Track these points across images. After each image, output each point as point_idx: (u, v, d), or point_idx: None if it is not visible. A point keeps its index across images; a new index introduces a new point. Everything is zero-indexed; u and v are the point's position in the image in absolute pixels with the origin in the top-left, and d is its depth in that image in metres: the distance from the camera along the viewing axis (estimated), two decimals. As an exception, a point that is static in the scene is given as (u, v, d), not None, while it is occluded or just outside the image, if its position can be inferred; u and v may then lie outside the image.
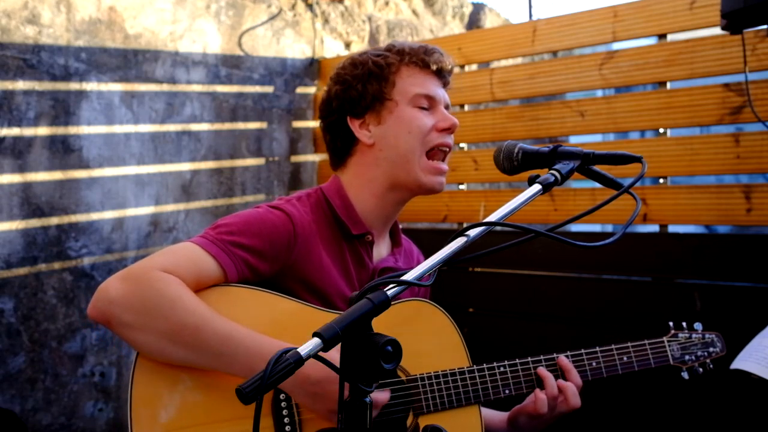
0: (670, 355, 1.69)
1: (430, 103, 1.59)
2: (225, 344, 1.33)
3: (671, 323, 1.74)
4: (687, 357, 1.70)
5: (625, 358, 1.64)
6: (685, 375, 1.69)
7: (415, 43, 1.64)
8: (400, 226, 1.77)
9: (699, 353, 1.71)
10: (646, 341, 1.68)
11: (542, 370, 1.56)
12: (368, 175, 1.60)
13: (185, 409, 1.36)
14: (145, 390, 1.35)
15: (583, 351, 1.63)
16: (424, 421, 1.47)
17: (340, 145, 1.65)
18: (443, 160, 1.61)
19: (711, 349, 1.73)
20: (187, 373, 1.37)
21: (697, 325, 1.75)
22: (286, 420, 1.39)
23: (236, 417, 1.36)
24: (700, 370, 1.70)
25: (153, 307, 1.32)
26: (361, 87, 1.59)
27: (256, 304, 1.43)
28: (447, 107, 1.63)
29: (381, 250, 1.68)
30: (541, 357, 1.59)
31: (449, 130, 1.59)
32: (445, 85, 1.65)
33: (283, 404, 1.39)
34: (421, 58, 1.59)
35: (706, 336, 1.74)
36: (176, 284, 1.34)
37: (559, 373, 1.59)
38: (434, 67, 1.60)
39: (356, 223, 1.59)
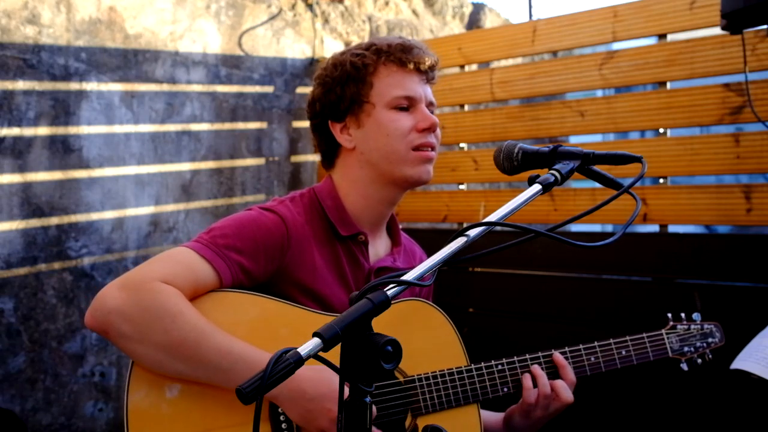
0: (669, 347, 1.69)
1: (409, 103, 1.55)
2: (224, 359, 1.32)
3: (669, 315, 1.74)
4: (686, 348, 1.70)
5: (623, 352, 1.64)
6: (684, 366, 1.69)
7: (395, 39, 1.59)
8: (400, 227, 1.77)
9: (698, 344, 1.71)
10: (644, 334, 1.67)
11: (535, 369, 1.56)
12: (353, 176, 1.59)
13: (182, 416, 1.35)
14: (141, 398, 1.34)
15: (581, 346, 1.62)
16: (422, 422, 1.46)
17: (326, 147, 1.64)
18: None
19: (710, 340, 1.72)
20: (183, 380, 1.36)
21: (696, 316, 1.74)
22: (284, 426, 1.38)
23: (234, 424, 1.36)
24: (699, 361, 1.70)
25: (153, 319, 1.31)
26: (339, 90, 1.57)
27: (252, 309, 1.43)
28: (431, 105, 1.60)
29: (378, 249, 1.66)
30: (539, 354, 1.59)
31: (429, 129, 1.55)
32: (428, 80, 1.61)
33: (280, 410, 1.38)
34: (398, 56, 1.55)
35: (705, 326, 1.73)
36: (176, 297, 1.33)
37: (555, 369, 1.59)
38: (411, 66, 1.56)
39: (347, 224, 1.58)
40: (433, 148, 1.57)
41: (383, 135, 1.54)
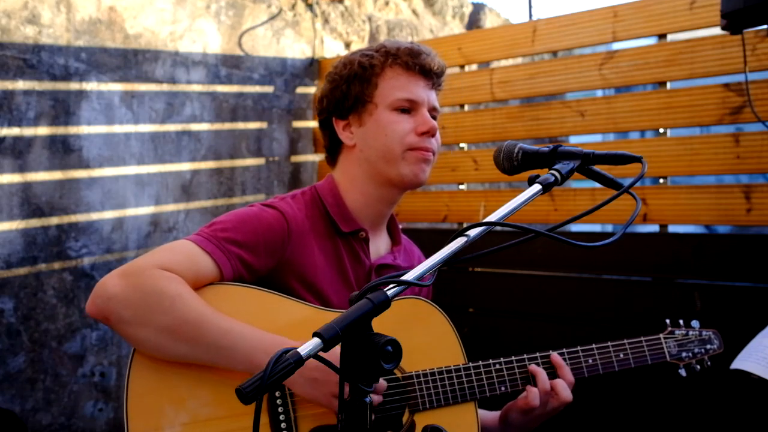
0: (667, 351, 1.69)
1: (411, 106, 1.58)
2: (225, 338, 1.34)
3: (668, 320, 1.75)
4: (684, 354, 1.70)
5: (621, 355, 1.65)
6: (683, 372, 1.69)
7: (405, 43, 1.62)
8: (400, 227, 1.78)
9: (696, 350, 1.71)
10: (642, 338, 1.68)
11: (534, 367, 1.57)
12: (352, 173, 1.63)
13: (182, 405, 1.36)
14: (142, 386, 1.35)
15: (579, 348, 1.63)
16: (419, 418, 1.47)
17: (330, 144, 1.69)
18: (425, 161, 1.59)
19: (708, 346, 1.73)
20: (184, 369, 1.37)
21: (695, 323, 1.75)
22: (281, 417, 1.39)
23: (234, 413, 1.37)
24: (698, 367, 1.71)
25: (153, 303, 1.33)
26: (345, 88, 1.61)
27: (251, 302, 1.44)
28: (433, 110, 1.61)
29: (379, 247, 1.68)
30: (537, 354, 1.60)
31: (428, 133, 1.57)
32: (434, 86, 1.63)
33: (278, 401, 1.40)
34: (405, 60, 1.58)
35: (703, 333, 1.74)
36: (176, 281, 1.35)
37: (553, 370, 1.59)
38: (417, 69, 1.58)
39: (347, 220, 1.60)
40: (430, 152, 1.58)
41: (382, 135, 1.57)
